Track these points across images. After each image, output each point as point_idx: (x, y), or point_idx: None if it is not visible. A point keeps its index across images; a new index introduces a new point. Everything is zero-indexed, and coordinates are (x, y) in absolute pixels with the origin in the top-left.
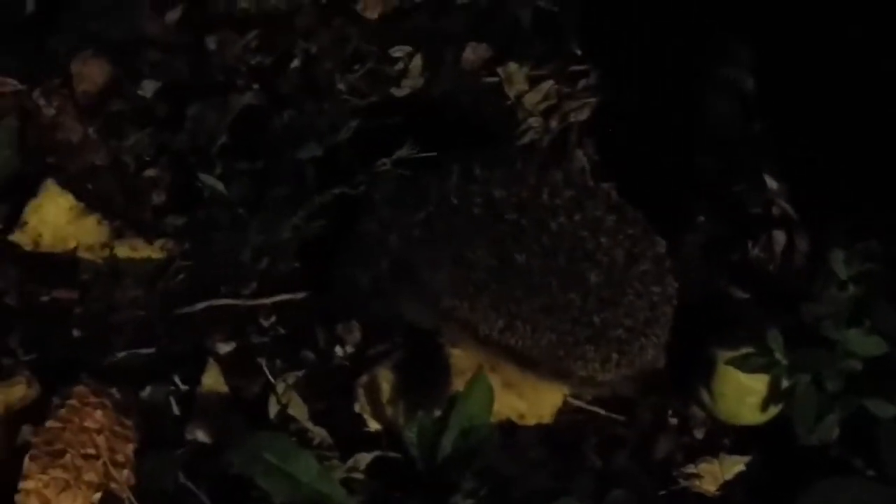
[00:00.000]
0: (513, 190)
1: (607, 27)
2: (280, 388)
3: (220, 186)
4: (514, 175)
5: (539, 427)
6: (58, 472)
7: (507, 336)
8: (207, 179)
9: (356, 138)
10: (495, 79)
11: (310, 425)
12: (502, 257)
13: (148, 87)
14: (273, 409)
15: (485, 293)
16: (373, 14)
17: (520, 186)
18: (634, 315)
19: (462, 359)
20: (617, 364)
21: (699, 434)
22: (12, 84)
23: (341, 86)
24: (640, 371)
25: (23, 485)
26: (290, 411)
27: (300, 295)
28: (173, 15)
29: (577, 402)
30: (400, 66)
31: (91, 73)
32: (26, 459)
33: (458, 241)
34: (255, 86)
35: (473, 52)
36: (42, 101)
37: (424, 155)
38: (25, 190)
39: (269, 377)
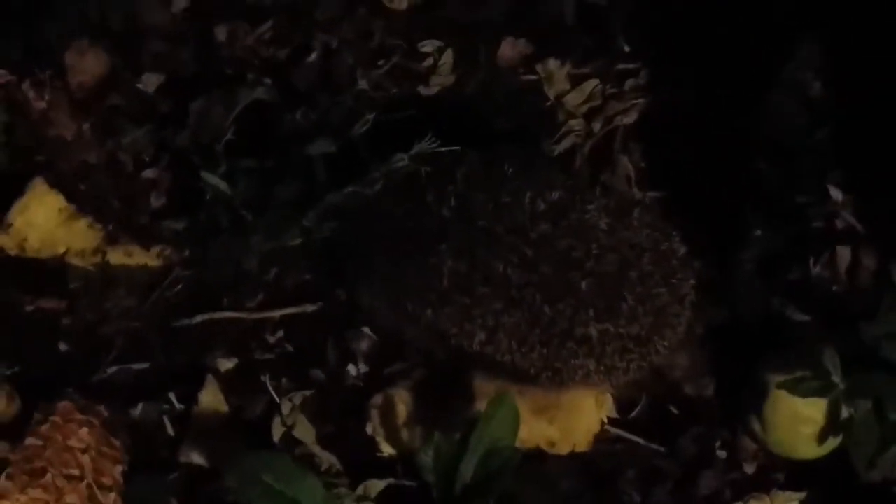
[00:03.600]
0: (490, 194)
1: (658, 22)
2: (285, 408)
3: (223, 186)
4: (494, 178)
5: (572, 456)
6: (37, 493)
7: (491, 350)
8: (210, 178)
9: (376, 138)
10: (534, 77)
11: (317, 449)
12: (472, 266)
13: (149, 81)
14: (277, 432)
15: (451, 304)
16: (400, 5)
17: (499, 190)
18: (638, 322)
19: (486, 381)
20: (625, 372)
21: (749, 468)
22: (1, 75)
23: (363, 83)
24: (651, 373)
25: None
26: (296, 434)
27: (310, 308)
28: (179, 3)
29: (615, 430)
30: (429, 62)
31: (87, 64)
32: (2, 478)
33: (424, 243)
34: (268, 81)
35: (510, 48)
36: (32, 94)
37: (445, 149)
38: (12, 189)
39: (274, 396)
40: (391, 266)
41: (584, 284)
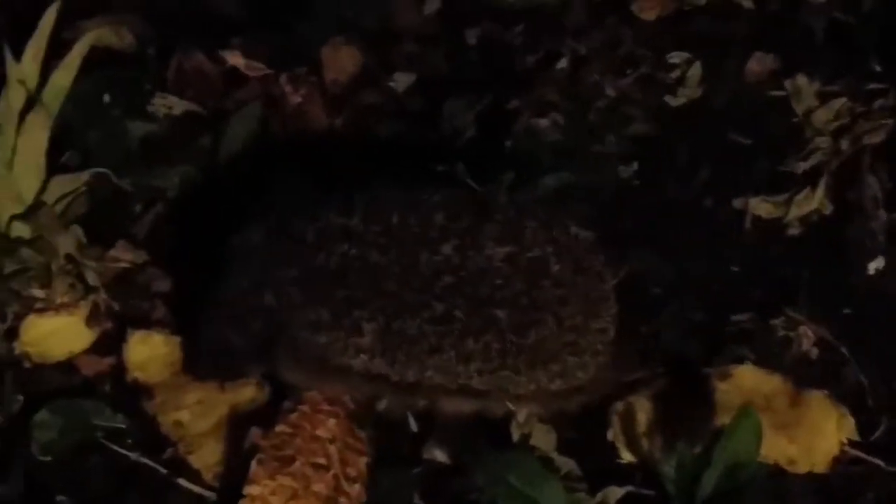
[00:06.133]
0: (392, 255)
1: None
2: (521, 415)
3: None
4: (391, 233)
5: (810, 476)
6: (286, 480)
7: (430, 379)
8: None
9: (622, 146)
10: (782, 93)
11: (556, 454)
12: (388, 325)
13: (400, 80)
14: (517, 434)
15: (378, 357)
16: (650, 15)
17: (398, 247)
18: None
19: (729, 394)
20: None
21: None
22: (259, 68)
23: (610, 91)
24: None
25: (248, 489)
26: (535, 438)
27: None
28: (432, 6)
29: (854, 452)
30: (677, 73)
31: (341, 61)
32: (253, 463)
33: (338, 305)
34: (517, 85)
35: (759, 63)
36: (288, 88)
37: None
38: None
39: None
40: (310, 334)
41: (500, 314)
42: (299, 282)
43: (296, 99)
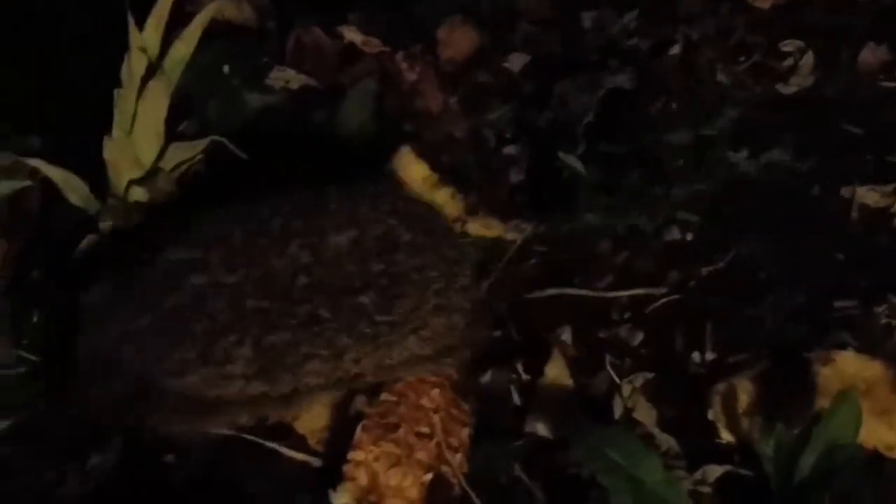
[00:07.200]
0: (243, 271)
1: None
2: (626, 389)
3: (579, 167)
4: (236, 254)
5: None
6: (389, 447)
7: (306, 384)
8: (567, 159)
9: (732, 132)
10: (893, 84)
11: (656, 431)
12: (259, 343)
13: (515, 61)
14: (618, 410)
15: (255, 379)
16: (764, 3)
17: (247, 262)
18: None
19: (830, 379)
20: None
21: None
22: (376, 44)
23: (723, 77)
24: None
25: (352, 455)
26: (637, 415)
27: (659, 291)
28: None
29: None
30: (789, 61)
31: (458, 40)
32: (358, 429)
33: (202, 339)
34: (630, 69)
35: (872, 54)
36: (404, 66)
37: None
38: (380, 156)
39: (614, 377)
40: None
41: (364, 300)
42: (155, 328)
43: (411, 76)
